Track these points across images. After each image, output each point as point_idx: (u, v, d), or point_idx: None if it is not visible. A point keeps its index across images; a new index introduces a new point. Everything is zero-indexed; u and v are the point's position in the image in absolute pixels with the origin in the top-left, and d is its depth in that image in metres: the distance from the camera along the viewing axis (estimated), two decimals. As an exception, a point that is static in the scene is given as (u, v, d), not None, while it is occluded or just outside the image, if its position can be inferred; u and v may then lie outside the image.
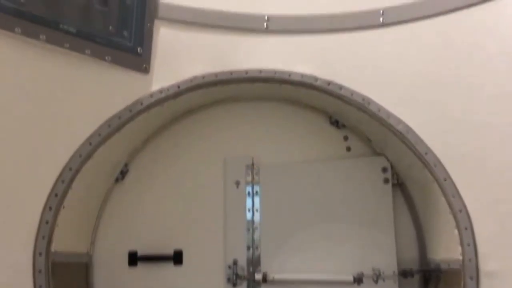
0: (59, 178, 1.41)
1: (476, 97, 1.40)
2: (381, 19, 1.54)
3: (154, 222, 1.82)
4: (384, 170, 1.79)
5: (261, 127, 1.87)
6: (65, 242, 1.46)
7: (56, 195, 1.40)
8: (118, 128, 1.51)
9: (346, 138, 1.85)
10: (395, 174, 1.79)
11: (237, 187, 1.84)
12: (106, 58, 1.48)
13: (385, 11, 1.53)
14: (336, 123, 1.84)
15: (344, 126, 1.84)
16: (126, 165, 1.82)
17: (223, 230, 1.81)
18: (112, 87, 1.51)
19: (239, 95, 1.80)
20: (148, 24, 1.57)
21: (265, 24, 1.61)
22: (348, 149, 1.85)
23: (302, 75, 1.58)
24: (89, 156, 1.47)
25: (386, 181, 1.79)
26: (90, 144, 1.46)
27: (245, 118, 1.87)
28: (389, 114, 1.50)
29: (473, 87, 1.41)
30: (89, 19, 1.45)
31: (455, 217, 1.43)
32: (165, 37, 1.58)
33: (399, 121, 1.49)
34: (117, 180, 1.81)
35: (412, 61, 1.50)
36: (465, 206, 1.41)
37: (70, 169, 1.43)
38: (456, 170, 1.43)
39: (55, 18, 1.39)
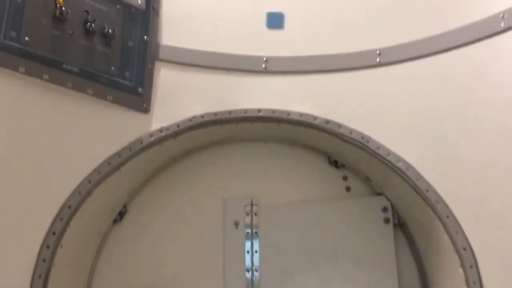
0: (58, 216, 1.39)
1: (476, 134, 1.41)
2: (378, 59, 1.57)
3: (152, 264, 1.78)
4: (385, 209, 1.78)
5: (260, 167, 1.87)
6: (62, 282, 1.43)
7: (54, 233, 1.38)
8: (118, 167, 1.51)
9: (345, 178, 1.85)
10: (395, 213, 1.78)
11: (236, 227, 1.82)
12: (108, 97, 1.50)
13: (381, 51, 1.57)
14: (335, 163, 1.84)
15: (343, 166, 1.84)
16: (125, 206, 1.80)
17: (222, 272, 1.77)
18: (113, 126, 1.52)
19: (238, 135, 1.81)
20: (149, 66, 1.60)
21: (263, 65, 1.65)
22: (348, 189, 1.85)
23: (301, 114, 1.60)
24: (88, 194, 1.46)
25: (386, 221, 1.78)
26: (90, 182, 1.45)
27: (244, 159, 1.88)
28: (388, 151, 1.51)
29: (473, 123, 1.42)
30: (92, 60, 1.48)
31: (459, 255, 1.41)
32: (165, 78, 1.61)
33: (399, 158, 1.50)
34: (115, 221, 1.79)
35: (411, 99, 1.52)
36: (469, 244, 1.40)
37: (69, 207, 1.41)
38: (458, 207, 1.43)
39: (59, 58, 1.41)
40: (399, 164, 1.49)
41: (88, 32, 1.47)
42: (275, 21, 1.69)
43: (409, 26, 1.54)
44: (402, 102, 1.53)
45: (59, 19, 1.42)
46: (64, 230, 1.41)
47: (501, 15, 1.37)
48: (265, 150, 1.88)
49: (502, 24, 1.37)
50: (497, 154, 1.38)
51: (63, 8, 1.42)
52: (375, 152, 1.52)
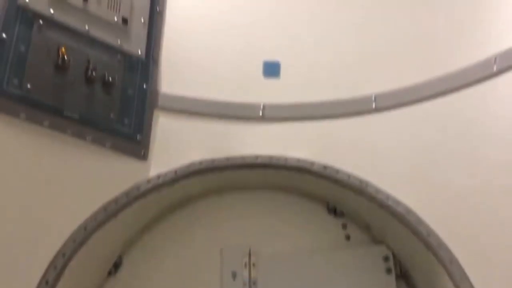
0: (52, 264, 1.35)
1: (476, 176, 1.41)
2: (373, 104, 1.60)
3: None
4: (386, 259, 1.74)
5: (258, 216, 1.85)
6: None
7: (47, 282, 1.33)
8: (115, 214, 1.49)
9: (344, 226, 1.83)
10: (398, 263, 1.74)
11: (234, 279, 1.77)
12: (106, 144, 1.51)
13: (377, 97, 1.60)
14: (334, 211, 1.83)
15: (342, 213, 1.82)
16: (120, 257, 1.76)
17: (220, 326, 1.71)
18: (111, 172, 1.51)
19: (236, 183, 1.80)
20: (148, 113, 1.62)
21: (261, 112, 1.67)
22: (347, 237, 1.82)
23: (299, 160, 1.60)
24: (83, 242, 1.43)
25: (388, 271, 1.73)
26: (85, 229, 1.43)
27: (241, 208, 1.85)
28: (388, 196, 1.50)
29: (472, 166, 1.43)
30: (92, 107, 1.50)
31: (464, 302, 1.37)
32: (164, 125, 1.63)
33: (399, 202, 1.48)
34: (110, 273, 1.74)
35: (408, 143, 1.53)
36: (475, 290, 1.36)
37: (63, 255, 1.38)
38: (462, 251, 1.40)
39: (60, 105, 1.43)
40: (399, 208, 1.48)
41: (89, 80, 1.50)
42: (271, 70, 1.73)
43: (404, 72, 1.59)
44: (399, 146, 1.54)
45: (61, 67, 1.45)
46: (57, 279, 1.36)
47: (493, 59, 1.41)
48: (263, 198, 1.86)
49: (495, 68, 1.41)
50: (499, 196, 1.37)
51: (66, 57, 1.45)
52: (374, 197, 1.51)
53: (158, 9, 1.76)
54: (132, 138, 1.56)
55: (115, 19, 1.61)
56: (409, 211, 1.47)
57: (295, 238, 1.82)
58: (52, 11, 1.48)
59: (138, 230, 1.79)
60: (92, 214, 1.45)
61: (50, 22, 1.47)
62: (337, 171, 1.56)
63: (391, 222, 1.54)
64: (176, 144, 1.63)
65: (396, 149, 1.54)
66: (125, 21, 1.64)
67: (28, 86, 1.38)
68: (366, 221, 1.78)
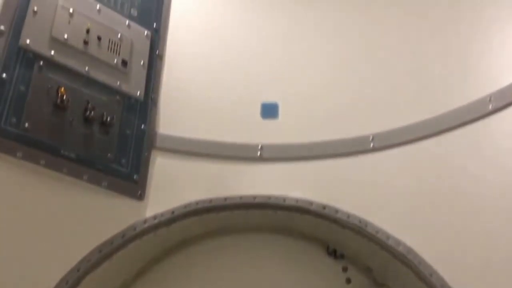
0: (43, 306, 1.32)
1: (476, 214, 1.39)
2: (371, 144, 1.60)
3: None
4: (388, 303, 1.70)
5: (256, 259, 1.80)
6: None
7: (37, 325, 1.30)
8: (110, 255, 1.46)
9: (345, 269, 1.78)
10: (400, 307, 1.70)
11: (232, 325, 1.71)
12: (103, 184, 1.49)
13: (374, 137, 1.60)
14: (334, 253, 1.79)
15: (342, 256, 1.78)
16: (114, 302, 1.71)
17: None
18: (106, 212, 1.49)
19: (234, 225, 1.77)
20: (146, 153, 1.62)
21: (258, 152, 1.67)
22: (348, 281, 1.77)
23: (297, 200, 1.58)
24: (76, 284, 1.39)
25: (391, 316, 1.68)
26: (78, 270, 1.39)
27: (239, 250, 1.81)
28: (388, 235, 1.47)
29: (472, 203, 1.41)
30: (89, 146, 1.50)
31: None
32: (161, 165, 1.62)
33: (399, 242, 1.46)
34: (102, 319, 1.69)
35: (406, 182, 1.52)
36: (480, 333, 1.32)
37: (55, 297, 1.34)
38: (465, 291, 1.37)
39: (57, 144, 1.43)
40: (400, 248, 1.45)
41: (87, 120, 1.51)
42: (269, 111, 1.74)
43: (401, 112, 1.60)
44: (398, 186, 1.53)
45: (60, 107, 1.46)
46: (48, 323, 1.33)
47: (488, 98, 1.42)
48: (261, 241, 1.82)
49: (490, 107, 1.42)
50: (499, 234, 1.35)
51: (65, 97, 1.47)
52: (374, 237, 1.49)
53: (158, 53, 1.79)
54: (129, 178, 1.55)
55: (115, 61, 1.64)
56: (410, 250, 1.44)
57: (295, 281, 1.77)
58: (52, 52, 1.51)
59: (133, 273, 1.74)
60: (86, 255, 1.42)
61: (51, 63, 1.49)
62: (336, 210, 1.55)
63: (392, 263, 1.50)
64: (174, 185, 1.61)
65: (395, 188, 1.53)
66: (124, 63, 1.66)
67: (26, 125, 1.39)
68: (367, 263, 1.73)
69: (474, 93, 1.46)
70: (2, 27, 1.44)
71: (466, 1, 1.63)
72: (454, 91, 1.53)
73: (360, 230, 1.51)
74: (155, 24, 1.81)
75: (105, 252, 1.45)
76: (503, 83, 1.42)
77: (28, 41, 1.47)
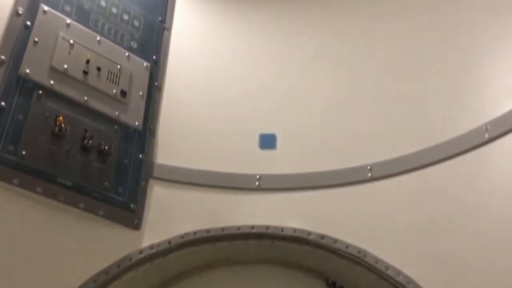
0: (35, 337, 1.28)
1: (475, 243, 1.38)
2: (369, 174, 1.60)
3: None
4: (389, 336, 1.66)
5: (255, 293, 1.78)
6: None
7: None
8: (104, 285, 1.43)
9: (344, 302, 1.75)
10: None
11: None
12: (99, 212, 1.48)
13: (372, 167, 1.60)
14: (333, 285, 1.75)
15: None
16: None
17: None
18: (102, 242, 1.47)
19: (231, 256, 1.74)
20: (143, 183, 1.61)
21: (256, 182, 1.66)
22: (348, 314, 1.74)
23: (295, 230, 1.57)
24: (69, 316, 1.36)
25: None
26: (73, 301, 1.37)
27: (237, 283, 1.77)
28: (387, 265, 1.45)
29: (471, 233, 1.39)
30: (86, 175, 1.49)
31: None
32: (158, 195, 1.62)
33: (399, 272, 1.43)
34: None
35: (404, 211, 1.51)
36: None
37: (48, 328, 1.31)
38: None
39: (54, 172, 1.43)
40: (399, 278, 1.43)
41: (84, 149, 1.51)
42: (267, 142, 1.75)
43: (398, 142, 1.60)
44: (396, 215, 1.52)
45: (57, 135, 1.46)
46: None
47: (484, 127, 1.43)
48: (260, 272, 1.78)
49: (486, 135, 1.43)
50: (497, 264, 1.33)
51: (63, 125, 1.47)
52: (373, 267, 1.46)
53: (157, 84, 1.81)
54: (126, 207, 1.54)
55: (114, 91, 1.65)
56: (409, 280, 1.41)
57: (293, 316, 1.74)
58: (52, 82, 1.52)
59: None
60: (80, 285, 1.39)
61: (50, 92, 1.51)
62: (335, 240, 1.53)
63: (392, 295, 1.48)
64: (171, 215, 1.60)
65: (394, 218, 1.52)
66: (123, 93, 1.67)
67: (23, 153, 1.38)
68: (367, 296, 1.71)
69: (470, 122, 1.47)
70: (3, 57, 1.45)
71: (460, 32, 1.66)
72: (450, 121, 1.53)
73: (359, 260, 1.49)
74: (154, 56, 1.84)
75: (100, 283, 1.42)
76: (498, 112, 1.43)
77: (28, 71, 1.48)
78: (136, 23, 1.84)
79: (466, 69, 1.57)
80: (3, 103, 1.40)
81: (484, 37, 1.56)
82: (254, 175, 1.67)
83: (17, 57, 1.48)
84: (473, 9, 1.66)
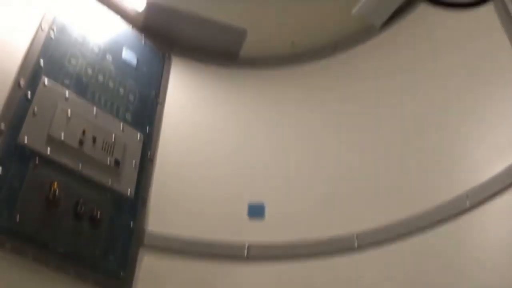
0: None
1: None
2: (355, 243, 1.63)
3: None
4: None
5: None
6: None
7: None
8: None
9: None
10: None
11: None
12: (89, 280, 1.48)
13: (358, 235, 1.64)
14: None
15: None
16: None
17: None
18: (91, 309, 1.46)
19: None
20: (133, 250, 1.62)
21: (245, 252, 1.69)
22: None
23: (284, 301, 1.58)
24: None
25: None
26: None
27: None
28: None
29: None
30: (78, 241, 1.50)
31: None
32: (148, 263, 1.62)
33: None
34: None
35: (392, 280, 1.52)
36: None
37: None
38: None
39: (45, 238, 1.44)
40: None
41: (77, 216, 1.53)
42: (256, 211, 1.79)
43: (382, 210, 1.64)
44: (384, 284, 1.53)
45: (51, 202, 1.49)
46: None
47: (466, 195, 1.49)
48: None
49: (468, 203, 1.48)
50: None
51: (57, 192, 1.50)
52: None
53: (149, 155, 1.86)
54: (116, 274, 1.54)
55: (108, 161, 1.70)
56: None
57: None
58: (48, 150, 1.56)
59: None
60: None
61: (46, 160, 1.54)
62: (324, 311, 1.54)
63: None
64: (160, 283, 1.60)
65: (382, 286, 1.54)
66: (117, 163, 1.72)
67: (17, 218, 1.40)
68: None
69: (452, 190, 1.53)
70: (2, 126, 1.49)
71: (438, 100, 1.74)
72: (432, 190, 1.59)
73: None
74: (148, 128, 1.91)
75: None
76: (479, 179, 1.49)
77: (26, 140, 1.52)
78: (131, 96, 1.93)
79: (447, 137, 1.64)
80: (0, 170, 1.43)
81: (462, 105, 1.65)
82: (243, 244, 1.70)
83: (16, 126, 1.53)
84: (449, 75, 1.76)
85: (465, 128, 1.62)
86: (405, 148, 1.74)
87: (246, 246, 1.70)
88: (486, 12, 1.67)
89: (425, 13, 1.99)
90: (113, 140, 1.75)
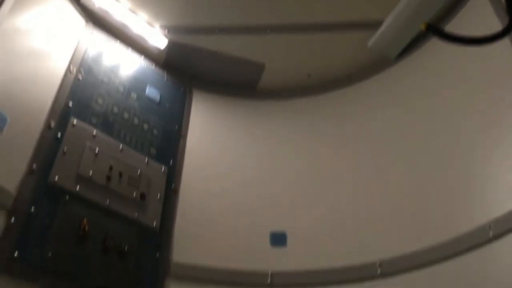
0: None
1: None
2: (378, 270, 1.64)
3: None
4: None
5: None
6: None
7: None
8: None
9: None
10: None
11: None
12: (118, 313, 1.53)
13: (381, 263, 1.65)
14: None
15: None
16: None
17: None
18: None
19: None
20: (160, 281, 1.67)
21: (269, 279, 1.72)
22: None
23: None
24: None
25: None
26: None
27: None
28: None
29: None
30: (107, 275, 1.56)
31: None
32: (175, 293, 1.67)
33: None
34: None
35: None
36: None
37: None
38: None
39: (76, 273, 1.50)
40: None
41: (105, 249, 1.59)
42: (278, 240, 1.83)
43: (405, 239, 1.65)
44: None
45: (81, 237, 1.55)
46: None
47: (488, 226, 1.48)
48: None
49: (491, 234, 1.47)
50: None
51: (86, 228, 1.57)
52: None
53: (173, 187, 1.92)
54: (144, 306, 1.59)
55: (134, 195, 1.77)
56: None
57: None
58: (78, 187, 1.64)
59: None
60: None
61: (75, 197, 1.62)
62: None
63: None
64: (187, 312, 1.64)
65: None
66: (142, 197, 1.78)
67: (49, 255, 1.47)
68: None
69: (475, 220, 1.52)
70: (34, 166, 1.57)
71: (462, 132, 1.73)
72: (456, 219, 1.58)
73: None
74: (171, 161, 1.98)
75: None
76: (501, 210, 1.48)
77: (56, 178, 1.60)
78: (155, 131, 2.01)
79: (470, 170, 1.63)
80: (32, 209, 1.50)
81: (485, 137, 1.63)
82: (266, 272, 1.73)
83: (47, 166, 1.61)
84: (473, 107, 1.74)
85: (488, 158, 1.61)
86: (429, 179, 1.73)
87: (270, 274, 1.73)
88: (502, 46, 1.62)
89: (440, 43, 1.98)
90: (138, 174, 1.82)
